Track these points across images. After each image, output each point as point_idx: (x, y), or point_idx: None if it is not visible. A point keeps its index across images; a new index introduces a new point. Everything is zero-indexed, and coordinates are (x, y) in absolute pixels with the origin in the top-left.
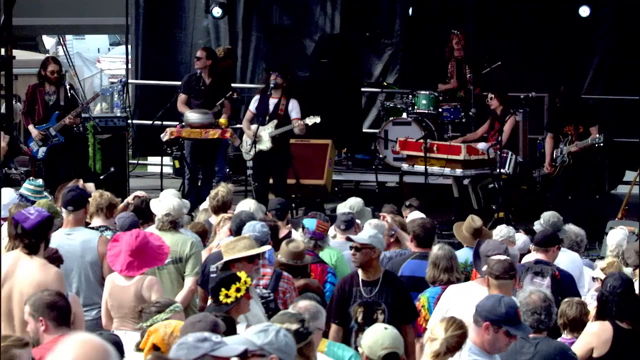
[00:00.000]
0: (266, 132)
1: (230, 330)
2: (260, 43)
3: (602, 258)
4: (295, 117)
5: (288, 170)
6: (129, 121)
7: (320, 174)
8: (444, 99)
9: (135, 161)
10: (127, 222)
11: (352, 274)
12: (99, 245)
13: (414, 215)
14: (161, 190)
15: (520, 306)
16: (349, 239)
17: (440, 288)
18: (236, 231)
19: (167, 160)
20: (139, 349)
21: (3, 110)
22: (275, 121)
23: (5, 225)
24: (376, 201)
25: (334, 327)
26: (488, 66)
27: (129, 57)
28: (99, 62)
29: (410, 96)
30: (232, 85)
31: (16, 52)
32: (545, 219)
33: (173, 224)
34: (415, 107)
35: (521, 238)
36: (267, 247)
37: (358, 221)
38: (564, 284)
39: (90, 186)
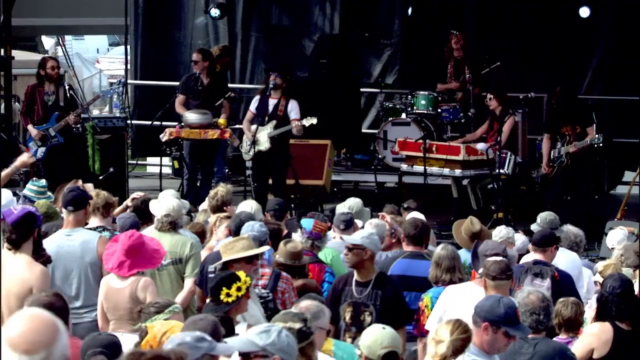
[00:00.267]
0: (265, 133)
1: (230, 330)
2: (260, 43)
3: (602, 258)
4: (295, 117)
5: (287, 171)
6: (128, 121)
7: (320, 174)
8: (443, 100)
9: (135, 161)
10: (127, 222)
11: (349, 273)
12: (98, 246)
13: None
14: (160, 190)
15: (518, 307)
16: (342, 239)
17: (443, 288)
18: (235, 231)
19: (166, 160)
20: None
21: (2, 110)
22: (274, 122)
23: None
24: (375, 201)
25: None
26: (487, 66)
27: (128, 57)
28: (98, 62)
29: (409, 96)
30: (232, 85)
31: (15, 53)
32: (543, 218)
33: (172, 225)
34: (415, 107)
35: (520, 238)
36: (265, 248)
37: (359, 221)
38: (563, 285)
39: (88, 187)
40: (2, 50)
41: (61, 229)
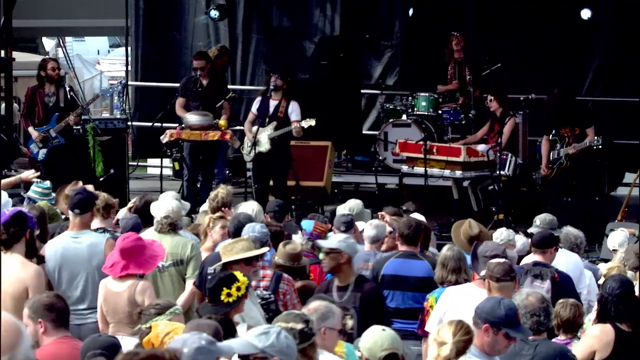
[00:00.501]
0: (265, 134)
1: (231, 332)
2: (260, 45)
3: (603, 260)
4: (295, 119)
5: (288, 172)
6: (129, 123)
7: (320, 175)
8: (443, 101)
9: (135, 163)
10: (129, 223)
11: (330, 279)
12: (106, 249)
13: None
14: (161, 192)
15: (518, 309)
16: (318, 245)
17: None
18: (234, 233)
19: (166, 162)
20: None
21: (3, 112)
22: (274, 123)
23: None
24: (376, 203)
25: None
26: (488, 68)
27: (129, 59)
28: (99, 64)
29: (409, 98)
30: (232, 86)
31: (16, 54)
32: (541, 219)
33: (172, 226)
34: (415, 108)
35: (520, 240)
36: (265, 249)
37: (360, 223)
38: (563, 286)
39: (89, 188)
40: (3, 52)
41: (67, 231)
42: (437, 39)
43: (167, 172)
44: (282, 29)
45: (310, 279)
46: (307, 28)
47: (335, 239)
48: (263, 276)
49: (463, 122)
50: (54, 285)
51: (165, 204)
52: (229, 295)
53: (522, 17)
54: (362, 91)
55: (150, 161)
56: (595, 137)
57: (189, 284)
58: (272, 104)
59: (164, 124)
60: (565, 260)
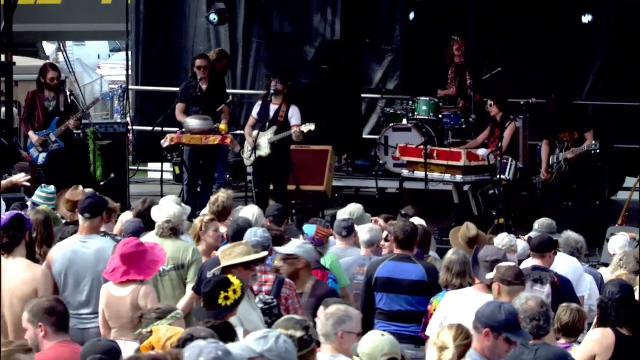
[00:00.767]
0: (265, 138)
1: (231, 336)
2: (261, 49)
3: (603, 264)
4: (295, 123)
5: (288, 176)
6: (129, 127)
7: (320, 179)
8: (443, 105)
9: (135, 167)
10: (131, 227)
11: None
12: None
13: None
14: (161, 196)
15: (518, 313)
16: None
17: None
18: (232, 237)
19: (167, 166)
20: None
21: (3, 116)
22: (274, 127)
23: None
24: (376, 207)
25: None
26: (488, 72)
27: (129, 63)
28: (99, 68)
29: (410, 102)
30: (233, 90)
31: (16, 58)
32: (540, 223)
33: (173, 231)
34: (415, 113)
35: (520, 244)
36: (264, 253)
37: (361, 227)
38: (563, 290)
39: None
40: (3, 56)
41: (76, 234)
42: (437, 42)
43: (168, 176)
44: (283, 33)
45: None
46: (308, 32)
47: (293, 245)
48: (265, 280)
49: (463, 126)
50: (59, 288)
51: (167, 209)
52: (226, 298)
53: (523, 17)
54: (363, 95)
55: (151, 165)
56: (593, 142)
57: (190, 288)
58: (272, 108)
59: (164, 128)
60: (564, 264)
